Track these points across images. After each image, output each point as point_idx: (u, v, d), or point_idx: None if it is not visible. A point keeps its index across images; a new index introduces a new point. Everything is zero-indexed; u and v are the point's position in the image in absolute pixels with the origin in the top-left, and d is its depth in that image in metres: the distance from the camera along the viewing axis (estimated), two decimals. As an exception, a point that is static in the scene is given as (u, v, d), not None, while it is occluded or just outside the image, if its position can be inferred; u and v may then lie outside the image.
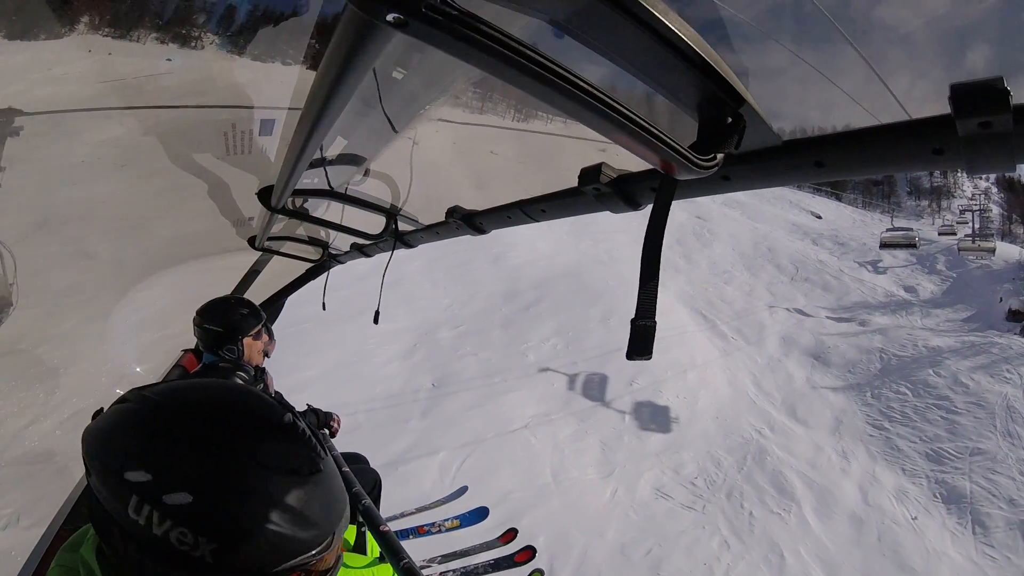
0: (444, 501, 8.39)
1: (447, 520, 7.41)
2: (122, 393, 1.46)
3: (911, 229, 45.71)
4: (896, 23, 1.21)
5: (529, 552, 6.59)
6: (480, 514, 7.62)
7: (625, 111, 1.11)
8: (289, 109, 2.10)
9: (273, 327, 5.34)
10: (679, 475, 21.08)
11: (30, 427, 4.01)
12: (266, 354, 4.99)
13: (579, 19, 1.00)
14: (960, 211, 62.86)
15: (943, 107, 1.12)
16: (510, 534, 7.16)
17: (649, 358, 1.42)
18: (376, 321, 4.17)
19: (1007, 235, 74.73)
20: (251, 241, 4.43)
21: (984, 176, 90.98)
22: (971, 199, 77.68)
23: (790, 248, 50.11)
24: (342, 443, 5.88)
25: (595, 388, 24.57)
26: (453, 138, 2.63)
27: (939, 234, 53.34)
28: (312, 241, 4.88)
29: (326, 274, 5.96)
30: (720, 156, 1.36)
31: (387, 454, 17.14)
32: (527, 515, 15.85)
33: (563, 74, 0.96)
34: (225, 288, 5.65)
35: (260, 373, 4.77)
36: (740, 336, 33.74)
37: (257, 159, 2.70)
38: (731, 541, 18.29)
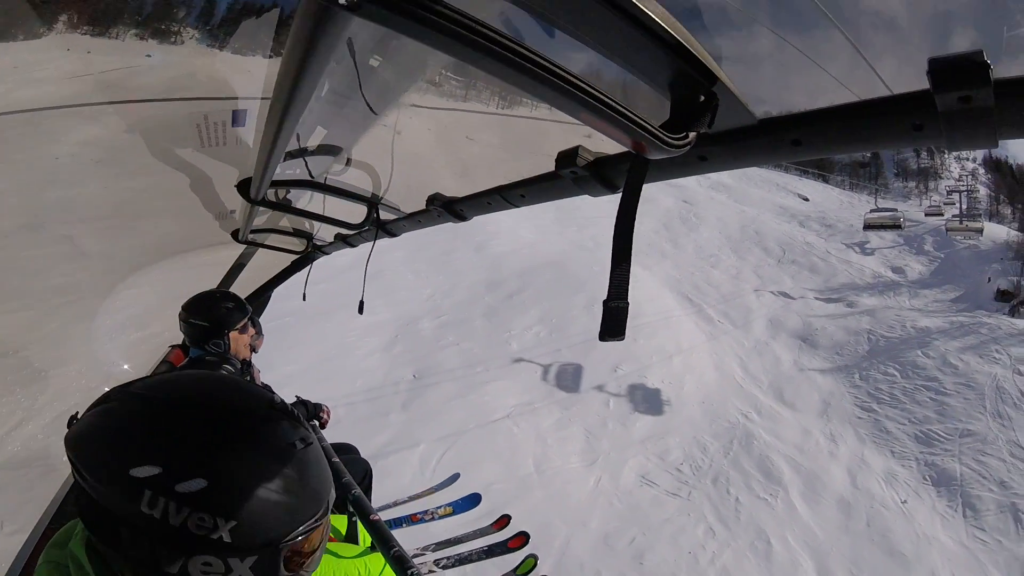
0: (436, 489, 8.38)
1: (440, 508, 7.38)
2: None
3: (895, 210, 45.82)
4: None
5: (523, 538, 6.50)
6: (473, 500, 7.63)
7: (591, 90, 1.08)
8: (262, 99, 2.08)
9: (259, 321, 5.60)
10: (664, 461, 20.85)
11: (13, 431, 3.97)
12: (253, 349, 5.14)
13: None
14: (947, 192, 62.92)
15: (924, 84, 1.11)
16: (503, 520, 7.10)
17: (622, 339, 1.41)
18: (361, 311, 4.30)
19: (995, 215, 75.11)
20: (235, 235, 4.45)
21: (971, 157, 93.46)
22: (958, 180, 78.80)
23: (777, 231, 50.19)
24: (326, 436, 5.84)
25: (579, 376, 24.30)
26: (434, 125, 2.64)
27: (926, 215, 53.48)
28: (297, 233, 4.95)
29: (309, 266, 6.00)
30: (692, 135, 1.33)
31: (367, 448, 16.26)
32: (509, 507, 15.47)
33: (525, 54, 0.94)
34: (211, 283, 5.72)
35: (246, 367, 4.91)
36: (727, 320, 33.62)
37: (236, 151, 2.67)
38: (717, 528, 18.06)
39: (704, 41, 1.23)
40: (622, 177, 1.85)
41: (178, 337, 4.87)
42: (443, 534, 6.90)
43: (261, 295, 6.68)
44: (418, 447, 18.16)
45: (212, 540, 1.31)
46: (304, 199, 3.61)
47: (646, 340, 27.02)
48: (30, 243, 2.99)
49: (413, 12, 0.79)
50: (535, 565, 5.86)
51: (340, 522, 3.92)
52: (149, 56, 1.79)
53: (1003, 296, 44.09)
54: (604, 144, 1.76)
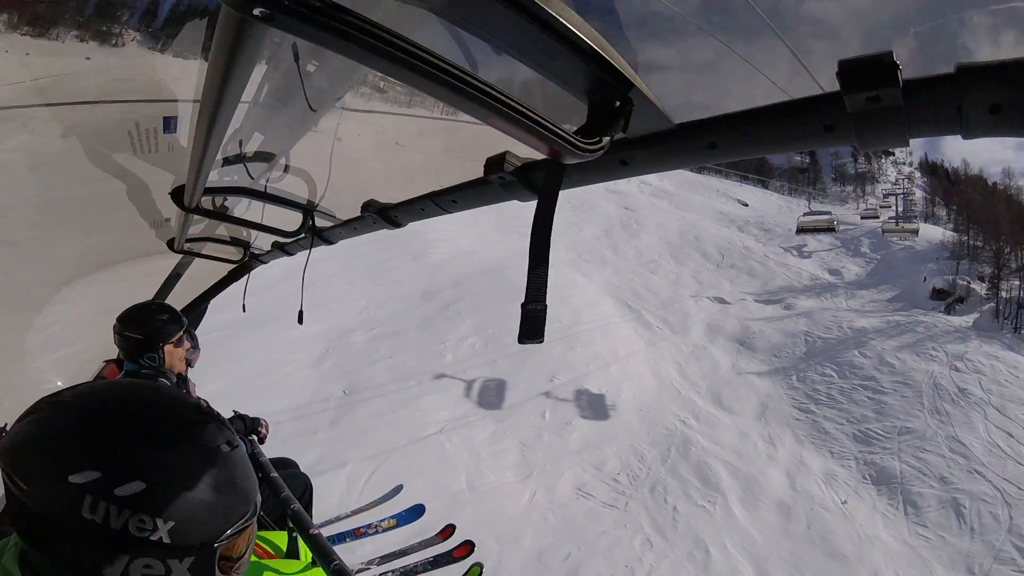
0: (379, 501, 8.11)
1: (383, 520, 7.21)
2: None
3: (829, 213, 46.78)
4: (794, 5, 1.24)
5: (468, 547, 6.38)
6: (417, 511, 7.47)
7: (501, 97, 1.10)
8: (194, 102, 1.87)
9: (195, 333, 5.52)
10: (601, 472, 20.53)
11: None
12: (189, 363, 5.01)
13: (457, 6, 1.05)
14: (884, 195, 65.24)
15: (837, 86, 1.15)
16: (448, 530, 6.86)
17: (541, 341, 1.39)
18: (300, 321, 3.97)
19: (930, 217, 77.85)
20: (170, 244, 4.38)
21: (907, 161, 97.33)
22: (895, 183, 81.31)
23: (717, 236, 51.12)
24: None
25: (514, 387, 23.83)
26: (373, 130, 2.64)
27: (862, 218, 54.99)
28: (234, 241, 4.83)
29: (247, 276, 5.86)
30: (606, 140, 1.34)
31: (293, 468, 15.93)
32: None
33: (436, 63, 0.97)
34: (146, 294, 5.63)
35: (182, 382, 4.76)
36: (665, 325, 33.82)
37: (170, 157, 2.59)
38: (654, 539, 17.75)
39: (623, 49, 1.27)
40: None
41: (114, 351, 4.68)
42: (390, 547, 6.74)
43: (197, 306, 6.57)
44: (345, 467, 17.41)
45: (152, 542, 1.32)
46: (242, 207, 3.55)
47: (583, 348, 26.82)
48: None
49: (327, 24, 0.83)
50: (480, 574, 5.85)
51: (280, 538, 3.88)
52: (88, 59, 1.75)
53: (939, 295, 45.53)
54: (533, 150, 1.61)
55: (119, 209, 3.29)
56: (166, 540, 1.33)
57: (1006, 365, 30.14)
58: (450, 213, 2.56)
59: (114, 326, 4.34)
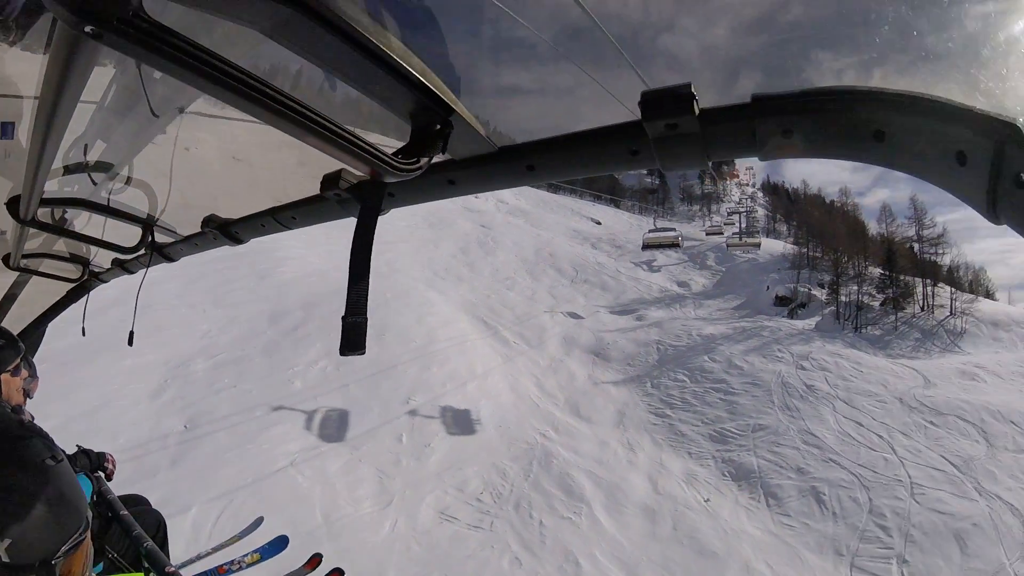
0: (241, 536, 8.07)
1: (246, 556, 7.00)
2: None
3: (673, 229, 48.36)
4: (605, 36, 1.33)
5: (316, 559, 6.63)
6: (280, 543, 7.44)
7: (317, 118, 1.17)
8: (35, 98, 1.64)
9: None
10: (464, 493, 19.96)
11: None
12: (27, 393, 4.49)
13: (284, 30, 1.09)
14: (728, 213, 68.29)
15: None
16: (315, 560, 6.89)
17: (362, 353, 1.46)
18: (130, 343, 3.60)
19: (771, 232, 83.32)
20: (5, 260, 3.98)
21: (750, 182, 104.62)
22: (738, 202, 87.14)
23: (571, 252, 52.44)
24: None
25: (368, 411, 22.87)
26: (218, 141, 2.53)
27: (707, 234, 57.27)
28: (73, 258, 4.43)
29: (86, 296, 5.36)
30: (424, 160, 1.44)
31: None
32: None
33: (254, 84, 1.04)
34: None
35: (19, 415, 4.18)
36: (522, 340, 33.91)
37: (7, 163, 2.45)
38: (522, 556, 17.32)
39: (448, 76, 1.38)
40: (387, 201, 1.85)
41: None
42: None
43: (35, 330, 6.01)
44: (190, 511, 15.85)
45: None
46: (82, 220, 3.33)
47: (440, 367, 26.30)
48: None
49: (152, 44, 0.88)
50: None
51: None
52: None
53: (781, 301, 48.55)
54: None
55: None
56: (5, 559, 1.38)
57: (849, 361, 32.51)
58: (290, 229, 2.56)
59: None
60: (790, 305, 48.25)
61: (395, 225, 42.14)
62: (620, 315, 40.43)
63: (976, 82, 1.08)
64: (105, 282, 4.97)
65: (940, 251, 59.34)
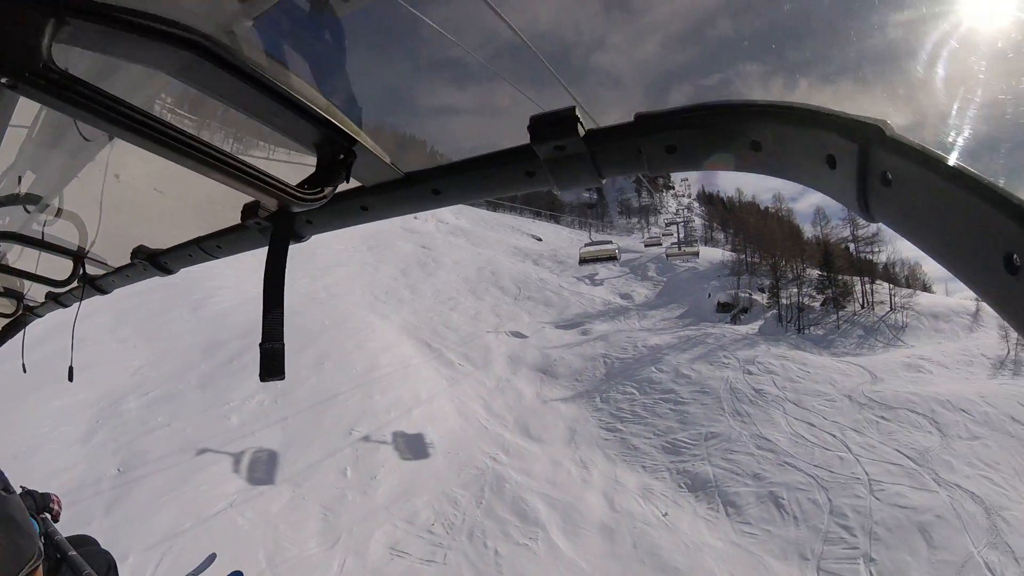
0: (195, 574, 7.71)
1: None
2: None
3: (610, 241, 48.47)
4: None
5: None
6: None
7: (219, 155, 1.22)
8: None
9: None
10: (414, 525, 19.26)
11: None
12: None
13: (188, 72, 1.18)
14: (666, 224, 68.72)
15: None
16: None
17: (282, 378, 1.48)
18: (71, 378, 3.88)
19: (709, 241, 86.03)
20: None
21: (686, 193, 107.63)
22: (675, 213, 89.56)
23: (513, 270, 52.62)
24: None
25: (309, 445, 22.02)
26: (144, 169, 2.49)
27: (645, 246, 57.39)
28: (6, 292, 4.41)
29: (22, 332, 5.18)
30: (328, 190, 1.50)
31: (59, 571, 13.50)
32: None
33: (157, 127, 1.11)
34: None
35: None
36: (467, 361, 33.50)
37: None
38: (479, 589, 16.62)
39: (351, 109, 1.47)
40: (303, 227, 2.00)
41: None
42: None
43: None
44: (127, 559, 15.03)
45: None
46: (15, 253, 3.34)
47: (383, 394, 25.62)
48: None
49: (62, 94, 0.96)
50: None
51: None
52: None
53: (723, 308, 49.40)
54: None
55: None
56: None
57: (795, 363, 32.85)
58: (217, 258, 2.54)
59: None
60: (732, 311, 49.03)
61: (332, 249, 41.67)
62: (565, 330, 40.48)
63: (844, 89, 1.17)
64: (40, 316, 4.87)
65: (876, 249, 60.77)
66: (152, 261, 2.86)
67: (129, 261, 3.03)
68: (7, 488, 1.68)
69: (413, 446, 23.29)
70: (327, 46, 1.42)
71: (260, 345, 1.48)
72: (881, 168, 0.94)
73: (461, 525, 19.44)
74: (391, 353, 29.17)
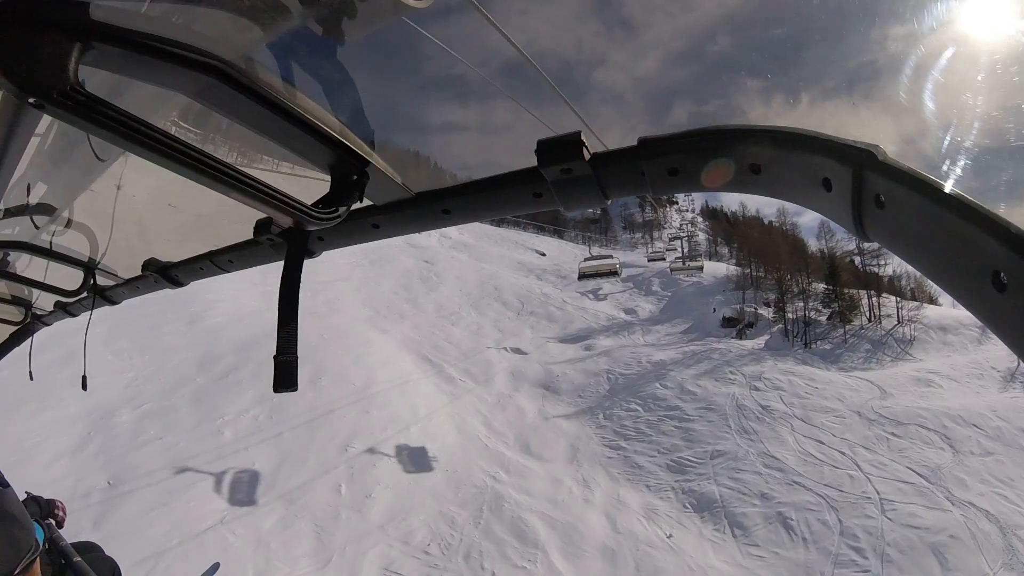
0: None
1: None
2: None
3: (611, 256, 47.97)
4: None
5: None
6: None
7: (237, 175, 1.26)
8: None
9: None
10: (409, 545, 18.85)
11: None
12: None
13: (207, 95, 1.22)
14: (670, 239, 69.21)
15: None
16: None
17: (295, 390, 1.50)
18: (84, 387, 3.90)
19: (714, 255, 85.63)
20: None
21: (689, 208, 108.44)
22: (679, 228, 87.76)
23: (516, 285, 52.35)
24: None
25: (304, 461, 21.70)
26: (157, 183, 2.45)
27: (649, 260, 57.17)
28: (15, 300, 4.37)
29: (30, 339, 5.11)
30: (343, 209, 1.55)
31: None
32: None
33: (178, 147, 1.14)
34: None
35: None
36: (468, 377, 33.16)
37: None
38: (474, 613, 16.06)
39: (363, 131, 1.51)
40: (314, 243, 1.99)
41: None
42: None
43: None
44: (113, 576, 14.42)
45: None
46: (23, 262, 3.34)
47: (380, 410, 25.30)
48: None
49: (88, 115, 0.98)
50: None
51: None
52: None
53: (728, 323, 48.94)
54: None
55: None
56: None
57: (802, 378, 32.43)
58: (228, 272, 2.57)
59: None
60: (738, 326, 48.66)
61: (335, 263, 41.74)
62: (568, 345, 40.15)
63: (840, 115, 1.22)
64: (48, 325, 4.88)
65: (881, 262, 60.24)
66: (163, 273, 2.89)
67: (140, 273, 3.06)
68: (3, 483, 1.68)
69: (410, 463, 23.02)
70: (340, 70, 1.44)
71: (274, 357, 1.50)
72: (874, 191, 0.97)
73: (458, 546, 19.10)
74: (390, 368, 28.95)
